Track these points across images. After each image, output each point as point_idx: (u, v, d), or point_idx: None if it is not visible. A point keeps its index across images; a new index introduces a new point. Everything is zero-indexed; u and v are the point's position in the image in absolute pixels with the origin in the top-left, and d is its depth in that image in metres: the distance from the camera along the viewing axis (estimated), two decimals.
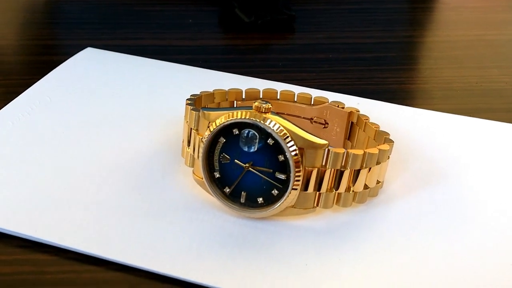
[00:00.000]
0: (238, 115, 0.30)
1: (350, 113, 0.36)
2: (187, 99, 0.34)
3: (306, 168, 0.29)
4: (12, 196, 0.32)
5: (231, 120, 0.30)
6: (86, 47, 0.48)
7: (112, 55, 0.47)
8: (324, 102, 0.37)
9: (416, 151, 0.37)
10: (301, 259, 0.29)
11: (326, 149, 0.29)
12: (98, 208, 0.32)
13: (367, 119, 0.35)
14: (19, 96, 0.41)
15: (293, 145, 0.29)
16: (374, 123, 0.34)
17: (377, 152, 0.31)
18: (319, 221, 0.32)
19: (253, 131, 0.30)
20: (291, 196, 0.30)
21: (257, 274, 0.28)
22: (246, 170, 0.31)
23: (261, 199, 0.31)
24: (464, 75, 0.47)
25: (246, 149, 0.30)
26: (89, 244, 0.29)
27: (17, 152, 0.36)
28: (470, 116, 0.41)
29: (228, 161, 0.31)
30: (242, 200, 0.31)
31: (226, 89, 0.37)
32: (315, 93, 0.39)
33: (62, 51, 0.50)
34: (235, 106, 0.37)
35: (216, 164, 0.31)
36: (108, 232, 0.30)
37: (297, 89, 0.39)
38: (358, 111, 0.36)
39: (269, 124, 0.29)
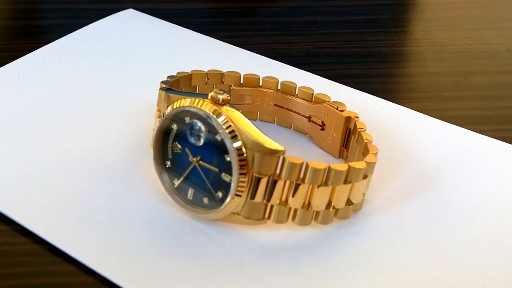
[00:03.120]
0: (188, 103, 0.26)
1: (348, 118, 0.31)
2: (161, 82, 0.30)
3: (255, 174, 0.25)
4: None
5: (181, 107, 0.26)
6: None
7: (151, 20, 0.45)
8: (325, 101, 0.32)
9: (409, 160, 0.33)
10: (225, 276, 0.26)
11: (282, 157, 0.25)
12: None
13: (362, 129, 0.30)
14: (40, 49, 0.41)
15: (240, 146, 0.25)
16: (367, 135, 0.30)
17: (345, 169, 0.26)
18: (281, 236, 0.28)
19: (201, 123, 0.27)
20: (234, 202, 0.26)
21: (166, 277, 0.26)
22: (194, 165, 0.27)
23: (206, 199, 0.27)
24: (457, 37, 0.45)
25: (192, 141, 0.27)
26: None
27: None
28: (465, 78, 0.40)
29: (180, 151, 0.28)
30: (190, 197, 0.28)
31: (206, 71, 0.33)
32: (324, 86, 0.37)
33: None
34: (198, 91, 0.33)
35: (170, 152, 0.28)
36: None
37: (303, 80, 0.34)
38: (357, 117, 0.31)
39: (218, 118, 0.25)
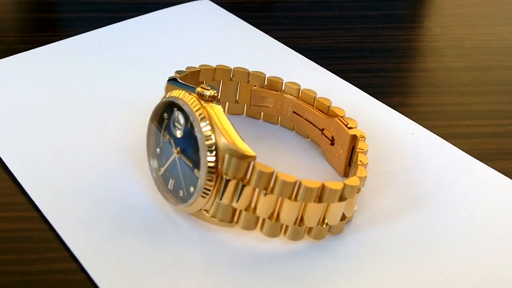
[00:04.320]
0: (176, 94, 0.26)
1: (354, 137, 0.29)
2: (170, 77, 0.30)
3: (224, 176, 0.25)
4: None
5: (171, 97, 0.26)
6: None
7: (224, 14, 0.46)
8: (338, 116, 0.31)
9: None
10: (176, 269, 0.25)
11: (252, 163, 0.24)
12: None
13: (362, 150, 0.29)
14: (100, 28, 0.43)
15: (212, 145, 0.25)
16: (364, 157, 0.28)
17: (317, 186, 0.25)
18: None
19: (181, 116, 0.26)
20: (201, 200, 0.25)
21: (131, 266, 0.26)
22: (174, 156, 0.27)
23: (181, 192, 0.27)
24: (475, 33, 0.45)
25: (172, 131, 0.27)
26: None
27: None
28: (484, 73, 0.40)
29: (168, 140, 0.27)
30: (170, 186, 0.28)
31: (214, 66, 0.33)
32: (347, 94, 0.36)
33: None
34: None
35: (161, 140, 0.28)
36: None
37: (322, 88, 0.33)
38: (363, 137, 0.29)
39: (197, 113, 0.25)
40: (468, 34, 0.45)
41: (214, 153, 0.25)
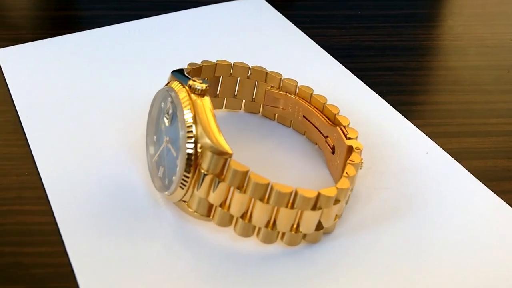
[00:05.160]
0: (171, 85, 0.26)
1: (350, 148, 0.29)
2: (189, 64, 0.31)
3: (202, 170, 0.25)
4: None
5: (167, 87, 0.27)
6: None
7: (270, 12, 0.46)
8: (341, 125, 0.30)
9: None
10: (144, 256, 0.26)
11: (228, 160, 0.25)
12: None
13: (353, 162, 0.28)
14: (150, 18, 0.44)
15: (191, 137, 0.25)
16: (351, 168, 0.27)
17: (289, 191, 0.24)
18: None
19: (170, 106, 0.26)
20: (180, 191, 0.26)
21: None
22: (164, 145, 0.27)
23: (167, 180, 0.27)
24: (497, 32, 0.45)
25: (165, 120, 0.27)
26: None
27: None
28: (507, 72, 0.40)
29: (162, 129, 0.28)
30: (160, 174, 0.28)
31: (232, 62, 0.33)
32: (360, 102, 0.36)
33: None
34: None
35: (158, 128, 0.28)
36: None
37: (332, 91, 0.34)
38: (358, 149, 0.28)
39: (184, 105, 0.25)
40: (491, 33, 0.45)
41: (193, 145, 0.25)
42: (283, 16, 0.46)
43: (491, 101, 0.37)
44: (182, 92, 0.26)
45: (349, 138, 0.29)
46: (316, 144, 0.33)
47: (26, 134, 0.33)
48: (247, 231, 0.26)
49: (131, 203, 0.29)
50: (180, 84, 0.26)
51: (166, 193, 0.27)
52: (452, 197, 0.30)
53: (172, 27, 0.44)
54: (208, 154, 0.24)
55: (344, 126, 0.30)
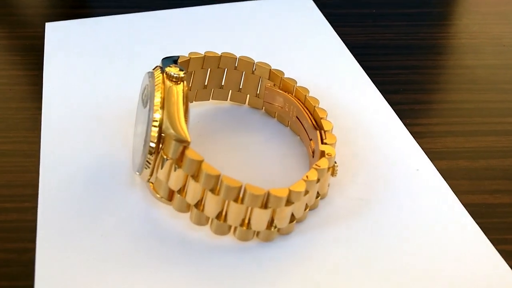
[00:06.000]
0: (154, 69, 0.27)
1: (322, 153, 0.28)
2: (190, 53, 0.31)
3: (163, 154, 0.25)
4: None
5: (148, 72, 0.28)
6: None
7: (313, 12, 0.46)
8: (322, 129, 0.29)
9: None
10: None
11: (185, 147, 0.25)
12: None
13: (318, 167, 0.27)
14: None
15: (156, 121, 0.25)
16: (313, 173, 0.27)
17: (238, 185, 0.24)
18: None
19: (146, 89, 0.27)
20: (145, 171, 0.26)
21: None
22: (139, 126, 0.28)
23: (137, 159, 0.27)
24: None
25: (144, 103, 0.28)
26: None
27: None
28: None
29: (140, 110, 0.28)
30: (136, 153, 0.28)
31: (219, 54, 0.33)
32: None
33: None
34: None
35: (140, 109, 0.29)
36: None
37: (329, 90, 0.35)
38: (329, 155, 0.27)
39: (156, 88, 0.26)
40: (507, 32, 0.44)
41: (157, 129, 0.25)
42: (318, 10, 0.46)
43: (508, 100, 0.37)
44: (158, 78, 0.26)
45: (325, 143, 0.28)
46: (306, 146, 0.32)
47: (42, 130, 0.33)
48: (200, 220, 0.26)
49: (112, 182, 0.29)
50: (158, 70, 0.27)
51: (137, 172, 0.27)
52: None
53: (215, 19, 0.44)
54: (168, 140, 0.25)
55: (325, 131, 0.29)
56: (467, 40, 0.44)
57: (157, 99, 0.26)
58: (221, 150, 0.32)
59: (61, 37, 0.41)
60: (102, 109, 0.34)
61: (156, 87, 0.26)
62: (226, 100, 0.35)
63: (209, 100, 0.34)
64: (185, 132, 0.25)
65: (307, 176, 0.26)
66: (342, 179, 0.30)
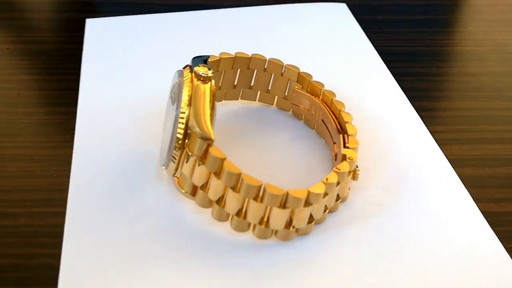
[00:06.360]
0: (185, 68, 0.28)
1: (343, 157, 0.28)
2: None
3: (188, 151, 0.26)
4: None
5: (178, 70, 0.29)
6: None
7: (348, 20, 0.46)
8: (346, 133, 0.30)
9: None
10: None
11: (209, 145, 0.25)
12: None
13: (338, 170, 0.27)
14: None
15: (183, 118, 0.26)
16: (333, 176, 0.27)
17: (258, 184, 0.25)
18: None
19: (176, 86, 0.28)
20: (171, 165, 0.27)
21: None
22: (168, 122, 0.28)
23: (165, 154, 0.28)
24: None
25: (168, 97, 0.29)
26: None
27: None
28: None
29: (170, 107, 0.29)
30: (165, 147, 0.28)
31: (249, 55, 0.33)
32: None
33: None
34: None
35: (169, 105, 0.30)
36: None
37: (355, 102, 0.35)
38: (350, 159, 0.28)
39: (184, 88, 0.27)
40: None
41: (184, 126, 0.26)
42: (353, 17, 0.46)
43: None
44: (187, 76, 0.27)
45: (347, 147, 0.29)
46: (329, 149, 0.33)
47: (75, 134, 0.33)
48: (221, 216, 0.27)
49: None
50: (188, 69, 0.28)
51: (163, 166, 0.28)
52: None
53: (248, 21, 0.45)
54: (194, 137, 0.26)
55: (348, 135, 0.30)
56: (472, 48, 0.44)
57: (185, 97, 0.26)
58: (246, 149, 0.32)
59: (100, 33, 0.42)
60: (135, 105, 0.35)
61: (184, 85, 0.27)
62: (255, 100, 0.35)
63: (238, 99, 0.35)
64: (209, 130, 0.25)
65: (326, 179, 0.27)
66: (363, 183, 0.30)
